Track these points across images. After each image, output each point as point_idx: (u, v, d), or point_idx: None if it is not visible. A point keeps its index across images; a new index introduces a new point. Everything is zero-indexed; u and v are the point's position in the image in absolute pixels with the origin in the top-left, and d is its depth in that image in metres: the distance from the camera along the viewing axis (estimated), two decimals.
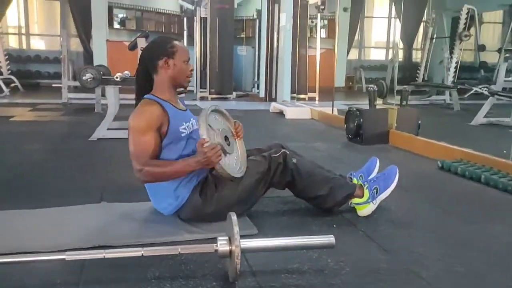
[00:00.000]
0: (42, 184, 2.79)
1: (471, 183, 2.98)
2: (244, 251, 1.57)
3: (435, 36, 10.35)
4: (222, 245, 1.58)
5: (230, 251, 1.56)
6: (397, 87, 8.37)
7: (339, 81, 11.81)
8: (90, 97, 6.81)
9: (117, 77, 4.37)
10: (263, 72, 8.88)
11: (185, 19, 10.71)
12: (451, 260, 1.81)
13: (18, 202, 2.37)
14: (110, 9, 11.20)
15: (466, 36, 8.54)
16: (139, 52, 5.21)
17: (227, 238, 1.60)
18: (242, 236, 1.54)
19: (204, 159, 1.90)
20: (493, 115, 5.98)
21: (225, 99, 8.75)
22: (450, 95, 8.47)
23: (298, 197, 2.29)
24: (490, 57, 11.00)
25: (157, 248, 1.65)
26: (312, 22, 10.83)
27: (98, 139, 4.25)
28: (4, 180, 2.86)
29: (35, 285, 1.56)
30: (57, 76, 9.46)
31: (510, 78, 6.53)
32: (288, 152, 2.18)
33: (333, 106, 6.14)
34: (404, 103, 4.75)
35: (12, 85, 9.22)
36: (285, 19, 8.06)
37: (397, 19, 12.74)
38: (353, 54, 13.41)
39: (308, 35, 9.23)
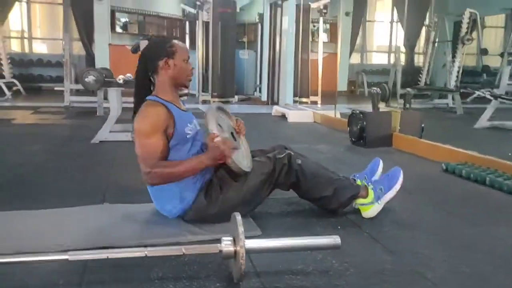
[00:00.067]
0: (43, 186, 2.78)
1: (476, 186, 2.96)
2: (248, 252, 1.55)
3: (437, 40, 10.35)
4: (226, 246, 1.56)
5: (235, 252, 1.54)
6: (400, 91, 8.37)
7: (341, 85, 11.81)
8: (92, 100, 6.82)
9: (120, 80, 4.37)
10: (265, 76, 8.89)
11: (187, 23, 10.74)
12: (456, 262, 1.79)
13: (20, 203, 2.36)
14: (112, 13, 11.23)
15: (468, 40, 8.53)
16: None
17: (231, 238, 1.58)
18: (245, 237, 1.53)
19: (218, 153, 1.89)
20: (496, 118, 5.96)
21: (227, 102, 8.74)
22: (453, 98, 8.46)
23: (303, 198, 2.27)
24: (493, 61, 11.00)
25: (160, 249, 1.64)
26: (314, 26, 10.84)
27: (100, 141, 4.25)
28: (5, 181, 2.86)
29: (37, 285, 1.54)
30: (59, 80, 9.48)
31: None
32: (292, 153, 2.16)
33: (335, 110, 6.13)
34: (407, 106, 4.73)
35: (14, 88, 9.25)
36: (288, 22, 8.07)
37: (399, 23, 12.79)
38: (355, 58, 13.44)
39: (310, 39, 9.24)
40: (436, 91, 9.71)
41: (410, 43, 12.87)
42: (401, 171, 2.26)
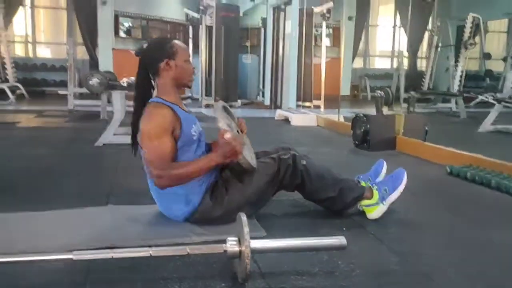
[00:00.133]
0: (49, 188, 2.78)
1: (481, 188, 2.95)
2: (254, 252, 1.54)
3: (440, 44, 10.35)
4: (231, 246, 1.55)
5: (240, 252, 1.53)
6: (403, 95, 8.36)
7: (344, 89, 11.80)
8: (95, 104, 6.84)
9: (123, 82, 4.37)
10: (269, 80, 8.89)
11: (190, 27, 10.77)
12: (462, 264, 1.79)
13: (24, 205, 2.35)
14: (116, 18, 11.28)
15: (471, 44, 8.53)
16: None
17: (236, 238, 1.58)
18: (250, 238, 1.52)
19: (229, 149, 1.88)
20: (500, 122, 5.95)
21: (231, 106, 8.71)
22: (456, 103, 8.44)
23: (308, 199, 2.26)
24: (496, 66, 10.99)
25: (165, 249, 1.63)
26: (317, 30, 10.85)
27: (104, 144, 4.25)
28: (13, 184, 2.86)
29: (42, 285, 1.54)
30: (63, 84, 9.53)
31: None
32: (297, 154, 2.16)
33: (339, 114, 6.12)
34: (411, 109, 4.73)
35: (18, 92, 9.28)
36: (291, 27, 8.07)
37: (402, 28, 12.79)
38: (358, 63, 13.44)
39: (313, 43, 9.24)
40: (439, 95, 9.69)
41: (413, 48, 12.87)
42: (405, 172, 2.25)
